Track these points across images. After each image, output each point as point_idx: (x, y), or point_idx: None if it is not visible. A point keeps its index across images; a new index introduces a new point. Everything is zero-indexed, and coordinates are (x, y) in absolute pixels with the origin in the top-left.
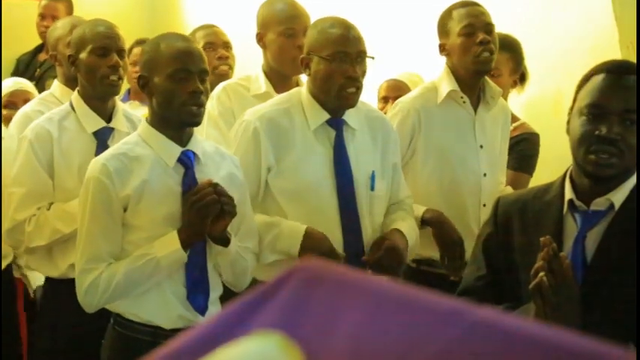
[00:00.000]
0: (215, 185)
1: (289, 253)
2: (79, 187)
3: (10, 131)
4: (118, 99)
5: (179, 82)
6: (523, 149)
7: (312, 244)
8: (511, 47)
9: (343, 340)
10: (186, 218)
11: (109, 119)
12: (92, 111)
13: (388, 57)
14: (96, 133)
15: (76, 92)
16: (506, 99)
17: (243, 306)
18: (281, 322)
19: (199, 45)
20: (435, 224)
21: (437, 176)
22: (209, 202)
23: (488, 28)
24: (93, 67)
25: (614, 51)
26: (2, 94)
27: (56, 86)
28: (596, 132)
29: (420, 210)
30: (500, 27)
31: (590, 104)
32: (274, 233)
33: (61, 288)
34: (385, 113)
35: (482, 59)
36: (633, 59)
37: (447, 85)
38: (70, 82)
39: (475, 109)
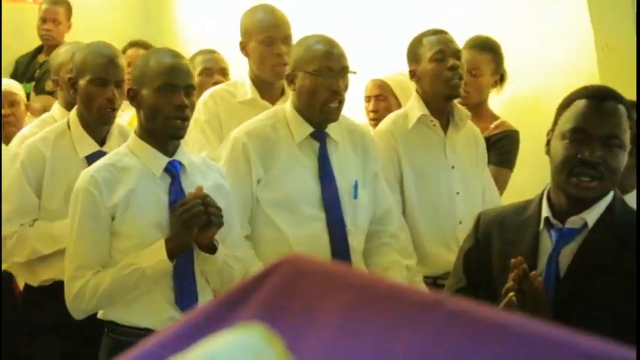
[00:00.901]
0: (204, 197)
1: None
2: (63, 209)
3: (9, 152)
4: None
5: (165, 95)
6: (503, 146)
7: None
8: (492, 49)
9: (325, 331)
10: (173, 229)
11: (102, 142)
12: (87, 134)
13: (376, 60)
14: (88, 157)
15: (74, 111)
16: (487, 98)
17: (227, 299)
18: (264, 315)
19: (197, 69)
20: None
21: (415, 196)
22: (195, 213)
23: (458, 54)
24: (90, 96)
25: (591, 53)
26: None
27: (56, 109)
28: (579, 155)
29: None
30: (481, 28)
31: (573, 129)
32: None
33: (40, 295)
34: (368, 112)
35: (453, 84)
36: (609, 60)
37: (417, 110)
38: (70, 107)
39: (445, 131)
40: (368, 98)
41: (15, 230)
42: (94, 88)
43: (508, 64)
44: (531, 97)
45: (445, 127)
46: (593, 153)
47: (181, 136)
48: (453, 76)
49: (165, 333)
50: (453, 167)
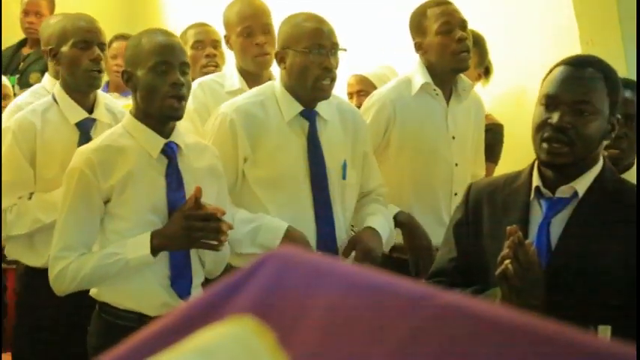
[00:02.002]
0: (218, 217)
1: (268, 248)
2: (60, 177)
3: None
4: (99, 91)
5: (160, 74)
6: (488, 139)
7: (292, 242)
8: (476, 42)
9: (316, 324)
10: (172, 231)
11: (90, 110)
12: (74, 102)
13: (360, 51)
14: (78, 124)
15: (58, 84)
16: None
17: (218, 291)
18: (254, 307)
19: (189, 43)
20: (406, 228)
21: (410, 166)
22: (209, 231)
23: (464, 24)
24: (75, 59)
25: (575, 47)
26: None
27: (47, 79)
28: (549, 120)
29: (392, 210)
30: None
31: (546, 95)
32: (255, 226)
33: (43, 278)
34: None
35: (461, 57)
36: (593, 54)
37: (420, 77)
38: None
39: (447, 101)
40: (350, 95)
41: (14, 203)
42: (78, 51)
43: (493, 60)
44: (516, 92)
45: (448, 98)
46: (562, 118)
47: (179, 117)
48: (462, 49)
49: (157, 326)
50: (453, 138)
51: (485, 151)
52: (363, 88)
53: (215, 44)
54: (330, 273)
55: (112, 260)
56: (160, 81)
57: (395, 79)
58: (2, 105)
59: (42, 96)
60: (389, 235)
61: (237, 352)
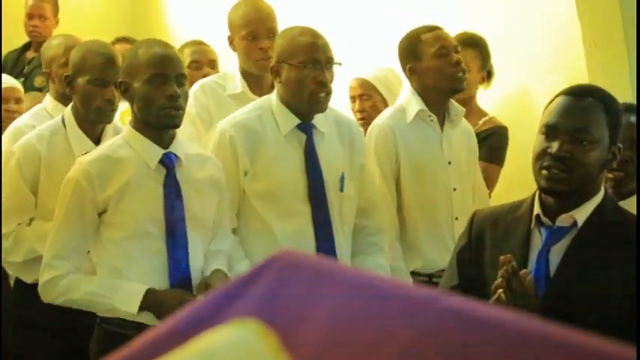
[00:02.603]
0: None
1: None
2: None
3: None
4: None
5: (157, 86)
6: (492, 142)
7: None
8: (478, 45)
9: (319, 327)
10: (167, 303)
11: (98, 140)
12: (82, 132)
13: (370, 55)
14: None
15: (69, 108)
16: (475, 94)
17: (221, 295)
18: (258, 310)
19: (185, 62)
20: None
21: (414, 191)
22: None
23: (457, 49)
24: (89, 96)
25: (578, 48)
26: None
27: (49, 101)
28: (548, 149)
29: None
30: (468, 26)
31: (546, 124)
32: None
33: (34, 292)
34: (355, 112)
35: (458, 78)
36: (596, 56)
37: (414, 105)
38: (63, 99)
39: (442, 127)
40: (353, 98)
41: (12, 230)
42: (94, 89)
43: (495, 61)
44: (519, 94)
45: (442, 123)
46: (561, 147)
47: (177, 125)
48: (458, 71)
49: (160, 329)
50: (449, 163)
51: (490, 154)
52: (366, 92)
53: (212, 64)
54: (333, 276)
55: (100, 301)
56: (157, 93)
57: (388, 109)
58: (16, 109)
59: (43, 117)
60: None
61: (240, 355)
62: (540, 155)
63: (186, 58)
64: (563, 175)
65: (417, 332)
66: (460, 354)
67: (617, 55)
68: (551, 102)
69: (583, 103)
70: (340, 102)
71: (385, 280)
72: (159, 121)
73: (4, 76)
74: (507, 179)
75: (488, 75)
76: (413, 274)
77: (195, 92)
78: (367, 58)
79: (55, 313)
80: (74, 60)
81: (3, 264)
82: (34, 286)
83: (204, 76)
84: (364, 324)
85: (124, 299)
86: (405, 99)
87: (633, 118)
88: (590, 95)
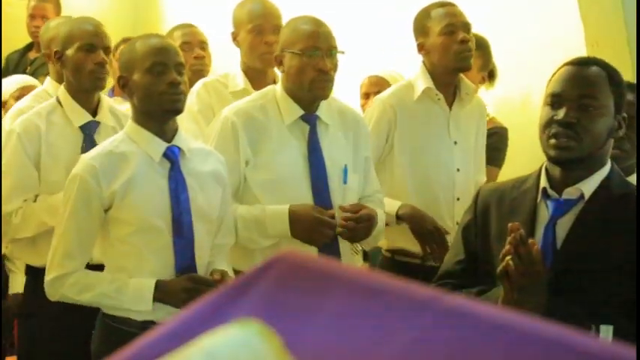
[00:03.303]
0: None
1: (282, 236)
2: (64, 180)
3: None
4: (103, 94)
5: (157, 75)
6: (492, 143)
7: (299, 221)
8: (479, 44)
9: (320, 328)
10: (174, 289)
11: (94, 113)
12: (78, 105)
13: (371, 55)
14: (82, 127)
15: (62, 87)
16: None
17: (223, 295)
18: (261, 311)
19: (176, 44)
20: (409, 219)
21: (411, 172)
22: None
23: (467, 27)
24: (80, 63)
25: (580, 49)
26: (14, 88)
27: (49, 83)
28: (555, 117)
29: (394, 206)
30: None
31: (551, 93)
32: (259, 222)
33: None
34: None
35: (463, 57)
36: (599, 57)
37: (422, 82)
38: (63, 79)
39: (450, 106)
40: (366, 95)
41: (19, 206)
42: (84, 54)
43: (498, 63)
44: (521, 95)
45: (450, 102)
46: (568, 113)
47: (179, 110)
48: (464, 49)
49: (162, 329)
50: (455, 143)
51: (489, 155)
52: (381, 89)
53: (202, 45)
54: (335, 277)
55: (111, 303)
56: (157, 81)
57: (397, 84)
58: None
59: (43, 99)
60: (381, 230)
61: (243, 356)
62: (547, 124)
63: (176, 40)
64: (572, 142)
65: (418, 333)
66: (461, 354)
67: (619, 55)
68: (554, 73)
69: (587, 71)
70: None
71: (386, 280)
72: (161, 107)
73: (21, 76)
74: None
75: (491, 76)
76: (407, 253)
77: (198, 90)
78: (365, 56)
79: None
80: (62, 34)
81: (11, 247)
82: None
83: (196, 57)
84: (365, 325)
85: (134, 299)
86: (415, 75)
87: (631, 97)
88: (593, 63)
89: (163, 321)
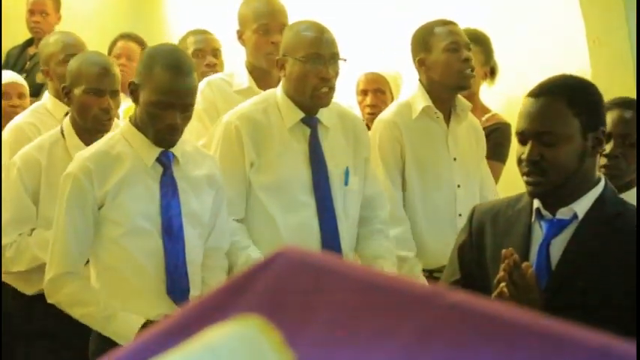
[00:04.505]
0: None
1: None
2: None
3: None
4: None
5: (162, 110)
6: (495, 139)
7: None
8: (480, 41)
9: (321, 323)
10: None
11: None
12: (81, 142)
13: (367, 54)
14: None
15: (68, 118)
16: (478, 90)
17: (224, 290)
18: (261, 306)
19: (189, 50)
20: None
21: (417, 188)
22: None
23: (469, 47)
24: (85, 106)
25: (581, 46)
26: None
27: (48, 99)
28: (522, 156)
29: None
30: (471, 22)
31: (516, 132)
32: None
33: (35, 304)
34: (364, 106)
35: (465, 75)
36: (600, 53)
37: (421, 101)
38: (62, 96)
39: (447, 123)
40: (364, 92)
41: (14, 240)
42: (90, 98)
43: (499, 59)
44: (522, 91)
45: (447, 119)
46: (531, 152)
47: (173, 144)
48: (466, 68)
49: (164, 325)
50: (455, 159)
51: (492, 151)
52: (380, 87)
53: (215, 53)
54: (337, 272)
55: (97, 326)
56: (160, 117)
57: (394, 104)
58: (19, 104)
59: (42, 115)
60: (393, 264)
61: (243, 351)
62: (519, 162)
63: (189, 47)
64: (539, 178)
65: (420, 328)
66: (464, 350)
67: (620, 52)
68: (522, 104)
69: (541, 103)
70: (344, 99)
71: (388, 276)
72: (156, 141)
73: (7, 71)
74: (510, 175)
75: (492, 72)
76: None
77: (202, 89)
78: (364, 56)
79: (56, 320)
80: (71, 71)
81: (4, 275)
82: (34, 297)
83: (208, 65)
84: (368, 320)
85: (119, 332)
86: (412, 94)
87: (628, 114)
88: (548, 92)
89: (153, 318)
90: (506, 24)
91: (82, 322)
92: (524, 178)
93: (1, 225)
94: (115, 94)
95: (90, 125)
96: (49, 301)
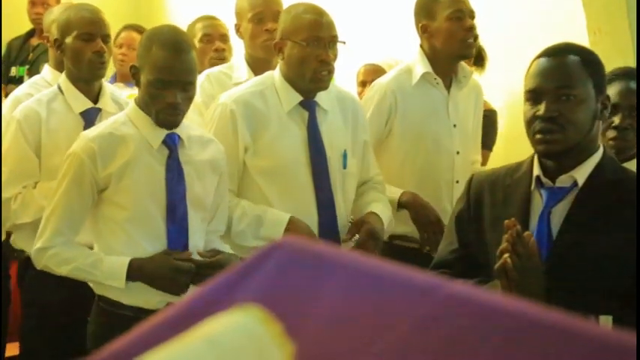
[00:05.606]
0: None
1: (271, 240)
2: None
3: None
4: (104, 81)
5: (161, 89)
6: (483, 126)
7: (295, 233)
8: None
9: (322, 313)
10: (157, 273)
11: (95, 100)
12: (79, 92)
13: (367, 43)
14: (83, 114)
15: (63, 75)
16: None
17: (224, 281)
18: (261, 297)
19: (197, 36)
20: (411, 207)
21: (412, 155)
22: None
23: (473, 14)
24: (78, 52)
25: (582, 36)
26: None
27: (47, 70)
28: (537, 113)
29: (396, 193)
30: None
31: (529, 90)
32: (258, 219)
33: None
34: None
35: (468, 44)
36: (600, 45)
37: (420, 67)
38: (61, 66)
39: (448, 89)
40: (363, 83)
41: (18, 192)
42: (82, 43)
43: (498, 49)
44: (521, 81)
45: (448, 86)
46: (548, 108)
47: (176, 125)
48: (469, 37)
49: (162, 316)
50: (454, 126)
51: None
52: (378, 77)
53: (224, 38)
54: (336, 263)
55: (87, 277)
56: (160, 96)
57: (395, 69)
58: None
59: (41, 87)
60: (389, 221)
61: (243, 341)
62: (531, 121)
63: (197, 32)
64: (556, 135)
65: (419, 320)
66: (462, 342)
67: (621, 43)
68: (530, 67)
69: (560, 61)
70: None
71: (387, 267)
72: (157, 122)
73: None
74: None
75: (480, 59)
76: (406, 239)
77: (202, 82)
78: (365, 45)
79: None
80: (61, 22)
81: (14, 235)
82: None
83: (216, 50)
84: (368, 311)
85: (108, 274)
86: (413, 60)
87: (633, 84)
88: (566, 52)
89: (150, 305)
90: (506, 14)
91: (72, 277)
92: (538, 136)
93: (1, 182)
94: (106, 38)
95: (85, 72)
96: (38, 267)
